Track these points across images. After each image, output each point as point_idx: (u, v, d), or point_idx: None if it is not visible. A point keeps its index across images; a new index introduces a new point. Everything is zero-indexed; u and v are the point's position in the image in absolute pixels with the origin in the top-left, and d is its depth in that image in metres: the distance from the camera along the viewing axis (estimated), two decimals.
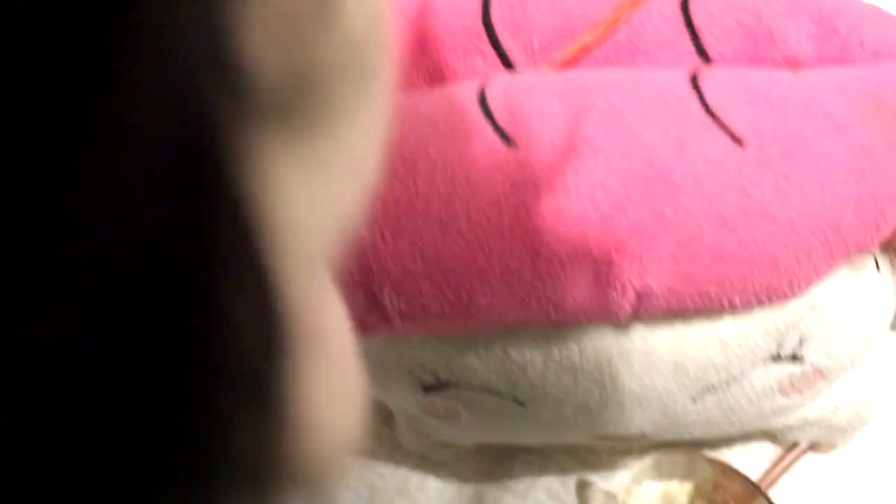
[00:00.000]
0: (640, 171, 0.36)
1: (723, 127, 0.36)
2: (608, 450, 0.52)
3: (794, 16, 0.39)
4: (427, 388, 0.45)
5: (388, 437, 0.54)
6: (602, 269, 0.36)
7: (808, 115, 0.37)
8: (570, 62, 0.40)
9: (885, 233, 0.39)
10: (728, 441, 0.51)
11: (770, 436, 0.51)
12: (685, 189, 0.35)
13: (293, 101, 0.14)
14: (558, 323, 0.39)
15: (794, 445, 0.51)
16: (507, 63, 0.40)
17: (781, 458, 0.51)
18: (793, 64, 0.39)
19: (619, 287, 0.36)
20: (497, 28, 0.40)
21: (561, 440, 0.48)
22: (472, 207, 0.36)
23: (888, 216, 0.37)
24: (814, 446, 0.50)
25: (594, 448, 0.52)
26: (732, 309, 0.38)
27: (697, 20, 0.39)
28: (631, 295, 0.36)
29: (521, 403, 0.43)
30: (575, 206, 0.35)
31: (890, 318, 0.46)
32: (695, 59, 0.39)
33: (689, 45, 0.39)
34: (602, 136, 0.36)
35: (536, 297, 0.37)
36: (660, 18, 0.39)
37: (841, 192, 0.36)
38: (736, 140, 0.36)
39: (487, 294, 0.37)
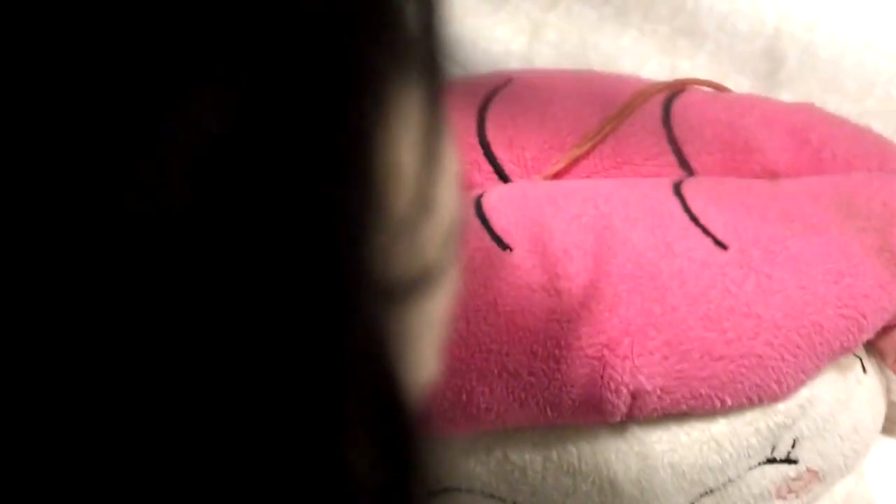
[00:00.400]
0: (629, 272, 0.37)
1: (705, 231, 0.38)
2: None
3: (769, 129, 0.42)
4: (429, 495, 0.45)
5: None
6: (596, 369, 0.37)
7: (786, 220, 0.39)
8: (561, 173, 0.42)
9: (867, 332, 0.40)
10: None
11: None
12: (672, 289, 0.37)
13: (409, 284, 0.17)
14: (556, 425, 0.40)
15: None
16: (501, 175, 0.43)
17: None
18: (770, 173, 0.42)
19: (612, 387, 0.37)
20: (492, 143, 0.43)
21: None
22: (471, 309, 0.37)
23: (868, 315, 0.39)
24: None
25: None
26: (724, 409, 0.39)
27: (678, 133, 0.42)
28: (625, 394, 0.37)
29: None
30: (567, 308, 0.37)
31: (881, 421, 0.47)
32: (677, 169, 0.42)
33: (671, 157, 0.42)
34: (591, 240, 0.38)
35: (534, 397, 0.38)
36: (643, 131, 0.42)
37: (821, 292, 0.38)
38: (718, 244, 0.38)
39: (487, 394, 0.38)
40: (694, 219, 0.39)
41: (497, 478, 0.42)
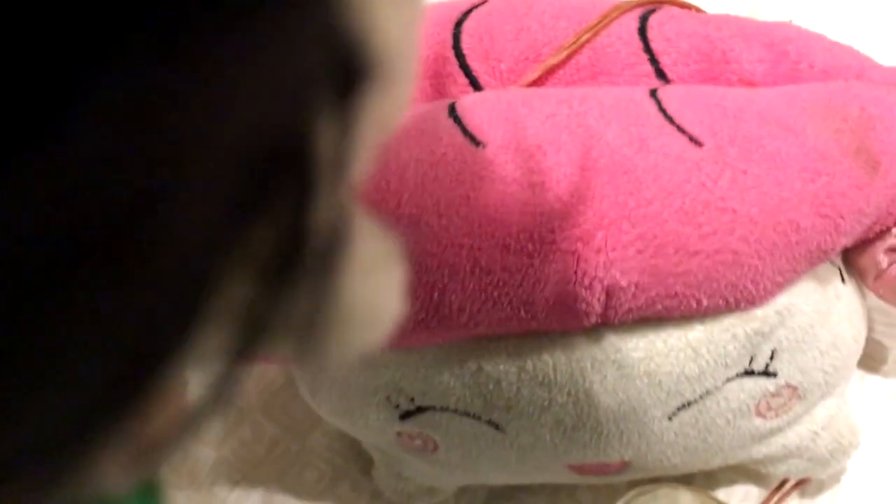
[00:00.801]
0: (603, 166, 0.37)
1: (681, 130, 0.38)
2: (591, 491, 0.51)
3: (746, 41, 0.42)
4: (403, 416, 0.44)
5: (366, 487, 0.53)
6: (569, 264, 0.37)
7: (762, 121, 0.39)
8: (536, 83, 0.42)
9: (845, 236, 0.40)
10: (711, 481, 0.50)
11: (754, 477, 0.50)
12: (647, 183, 0.37)
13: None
14: (531, 331, 0.40)
15: (779, 487, 0.50)
16: (476, 87, 0.43)
17: (767, 501, 0.50)
18: (747, 84, 0.42)
19: (586, 282, 0.37)
20: (467, 55, 0.43)
21: (541, 475, 0.47)
22: (443, 203, 0.37)
23: (846, 216, 0.39)
24: (800, 485, 0.49)
25: (576, 493, 0.51)
26: (701, 310, 0.39)
27: (655, 44, 0.42)
28: (598, 290, 0.37)
29: (498, 427, 0.43)
30: (541, 201, 0.36)
31: (861, 343, 0.46)
32: (654, 79, 0.42)
33: (647, 66, 0.42)
34: (565, 137, 0.38)
35: (507, 295, 0.37)
36: (619, 42, 0.42)
37: (798, 189, 0.38)
38: (693, 141, 0.38)
39: (459, 292, 0.37)
40: (669, 118, 0.38)
41: (471, 391, 0.42)
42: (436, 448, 0.46)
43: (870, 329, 0.52)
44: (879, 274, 0.43)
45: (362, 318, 0.20)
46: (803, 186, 0.38)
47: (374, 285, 0.20)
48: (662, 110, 0.39)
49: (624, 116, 0.38)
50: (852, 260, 0.44)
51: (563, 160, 0.37)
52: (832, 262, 0.43)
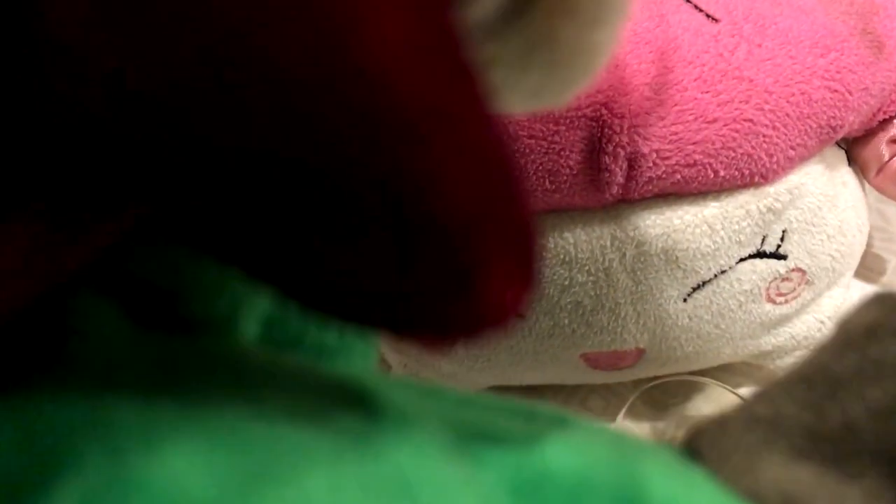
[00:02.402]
0: (625, 37, 0.39)
1: (697, 9, 0.40)
2: (602, 400, 0.52)
3: None
4: None
5: None
6: (594, 131, 0.38)
7: (774, 3, 0.41)
8: None
9: (853, 111, 0.41)
10: (721, 377, 0.52)
11: (757, 379, 0.52)
12: (668, 52, 0.38)
13: None
14: (553, 206, 0.41)
15: None
16: None
17: None
18: None
19: (610, 149, 0.38)
20: None
21: (555, 370, 0.48)
22: None
23: (853, 92, 0.40)
24: None
25: (588, 402, 0.52)
26: (717, 182, 0.40)
27: None
28: (622, 158, 0.38)
29: None
30: None
31: (865, 236, 0.48)
32: None
33: None
34: None
35: (533, 163, 0.39)
36: None
37: (809, 63, 0.40)
38: (711, 18, 0.40)
39: None
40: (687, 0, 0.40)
41: None
42: None
43: (868, 244, 0.54)
44: (882, 167, 0.45)
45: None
46: (814, 61, 0.40)
47: None
48: None
49: None
50: (855, 154, 0.46)
51: None
52: (839, 146, 0.44)
